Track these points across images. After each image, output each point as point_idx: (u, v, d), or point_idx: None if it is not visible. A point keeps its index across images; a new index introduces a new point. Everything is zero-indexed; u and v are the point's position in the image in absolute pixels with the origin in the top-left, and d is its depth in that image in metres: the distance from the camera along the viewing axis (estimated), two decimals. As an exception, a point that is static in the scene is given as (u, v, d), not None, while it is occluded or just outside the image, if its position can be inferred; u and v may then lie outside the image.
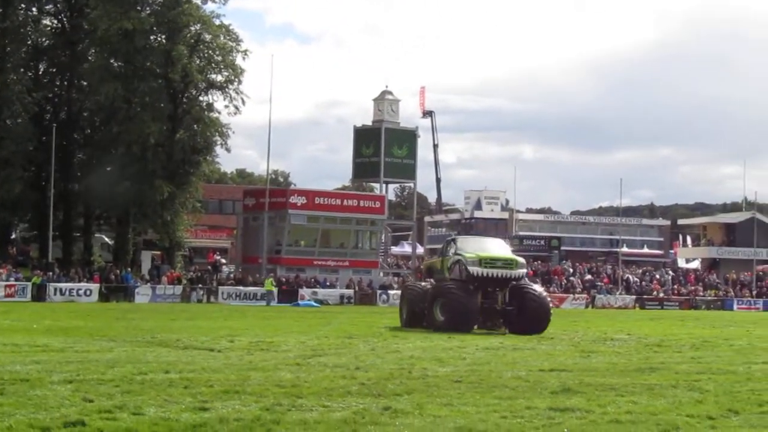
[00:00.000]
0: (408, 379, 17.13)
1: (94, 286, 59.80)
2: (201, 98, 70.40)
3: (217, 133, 69.22)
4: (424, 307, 33.62)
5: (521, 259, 34.98)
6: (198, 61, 68.49)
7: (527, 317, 32.77)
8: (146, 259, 71.54)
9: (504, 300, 33.45)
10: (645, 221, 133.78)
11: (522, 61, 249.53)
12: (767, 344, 29.65)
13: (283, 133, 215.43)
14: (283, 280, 66.71)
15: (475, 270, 32.89)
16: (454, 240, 36.40)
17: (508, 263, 33.63)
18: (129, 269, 63.98)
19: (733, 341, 30.86)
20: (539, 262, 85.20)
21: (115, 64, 67.99)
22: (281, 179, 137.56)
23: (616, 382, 17.49)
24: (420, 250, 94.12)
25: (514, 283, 33.47)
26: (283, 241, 70.21)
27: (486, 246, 35.70)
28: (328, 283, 68.86)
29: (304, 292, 65.25)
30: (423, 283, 36.29)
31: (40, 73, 71.43)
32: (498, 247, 36.05)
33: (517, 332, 31.73)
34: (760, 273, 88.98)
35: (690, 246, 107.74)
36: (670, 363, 21.85)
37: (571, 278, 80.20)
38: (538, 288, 35.83)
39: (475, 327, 33.11)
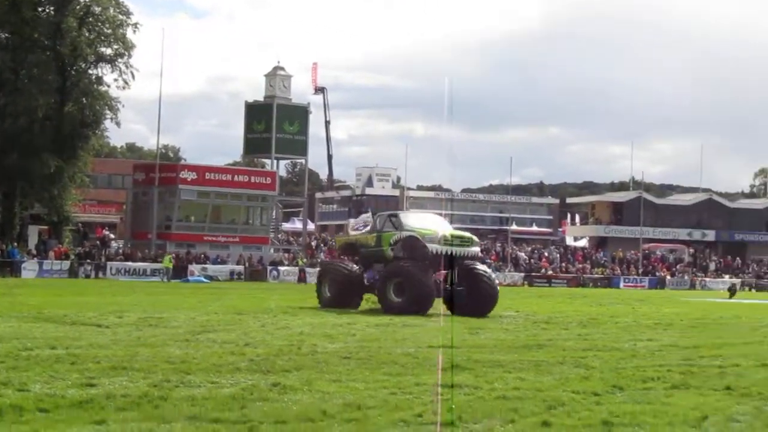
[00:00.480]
0: (297, 356, 17.11)
1: (-21, 261, 58.51)
2: (90, 71, 68.92)
3: (106, 107, 67.87)
4: (358, 288, 32.65)
5: (476, 237, 33.76)
6: (87, 34, 67.06)
7: (476, 298, 30.78)
8: (33, 233, 70.14)
9: (453, 279, 30.97)
10: (534, 199, 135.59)
11: (413, 39, 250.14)
12: (652, 322, 30.27)
13: (174, 107, 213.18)
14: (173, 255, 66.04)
15: (434, 248, 31.00)
16: (395, 215, 33.97)
17: (466, 241, 32.21)
18: (15, 244, 62.61)
19: (618, 319, 31.46)
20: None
21: (2, 35, 66.32)
22: (171, 154, 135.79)
23: (504, 358, 17.70)
24: (311, 226, 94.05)
25: (465, 261, 31.84)
26: (173, 216, 69.53)
27: (432, 222, 33.96)
28: (218, 259, 68.38)
29: (194, 268, 64.73)
30: (352, 265, 34.15)
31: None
32: (444, 224, 34.78)
33: (465, 314, 28.58)
34: (647, 251, 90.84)
35: (578, 224, 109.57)
36: (557, 340, 22.19)
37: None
38: (486, 268, 34.51)
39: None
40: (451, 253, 31.19)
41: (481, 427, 11.05)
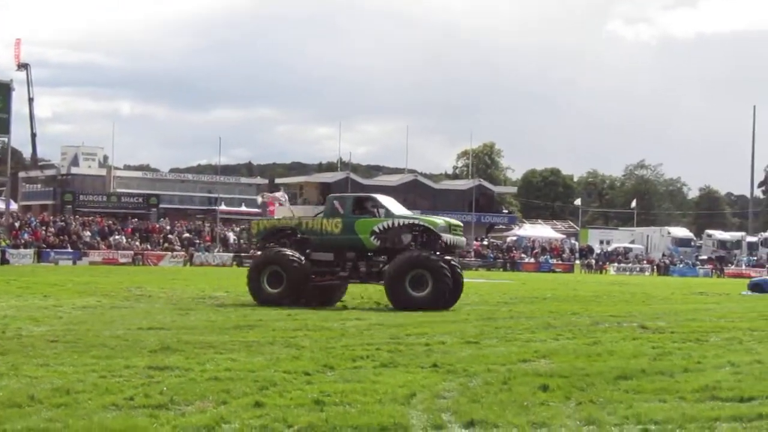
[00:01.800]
0: (2, 340, 16.46)
1: None
2: None
3: None
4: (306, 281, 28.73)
5: None
6: None
7: (454, 289, 28.95)
8: None
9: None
10: (243, 180, 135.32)
11: (118, 16, 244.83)
12: (360, 301, 30.82)
13: None
14: None
15: (447, 238, 28.81)
16: (370, 199, 30.46)
17: (461, 230, 30.26)
18: None
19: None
20: (137, 219, 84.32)
21: None
22: None
23: (215, 339, 17.61)
24: (13, 206, 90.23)
25: None
26: None
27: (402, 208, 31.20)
28: None
29: None
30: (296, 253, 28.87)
31: None
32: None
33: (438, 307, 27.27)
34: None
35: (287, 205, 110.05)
36: (267, 320, 22.25)
37: (170, 236, 79.80)
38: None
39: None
40: (459, 243, 29.88)
41: (194, 409, 10.92)
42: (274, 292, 28.29)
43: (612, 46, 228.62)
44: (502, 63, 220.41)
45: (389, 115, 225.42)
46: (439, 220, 30.04)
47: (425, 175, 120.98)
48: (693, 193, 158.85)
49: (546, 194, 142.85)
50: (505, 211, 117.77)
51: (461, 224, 30.88)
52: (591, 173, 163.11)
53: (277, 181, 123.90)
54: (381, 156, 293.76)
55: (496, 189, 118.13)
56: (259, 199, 36.10)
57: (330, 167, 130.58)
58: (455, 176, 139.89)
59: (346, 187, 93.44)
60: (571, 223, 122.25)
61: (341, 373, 13.91)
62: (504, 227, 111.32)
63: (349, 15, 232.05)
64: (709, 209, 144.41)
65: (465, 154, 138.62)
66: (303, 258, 28.71)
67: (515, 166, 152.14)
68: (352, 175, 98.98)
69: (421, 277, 27.64)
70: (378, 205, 29.81)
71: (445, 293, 27.98)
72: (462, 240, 30.39)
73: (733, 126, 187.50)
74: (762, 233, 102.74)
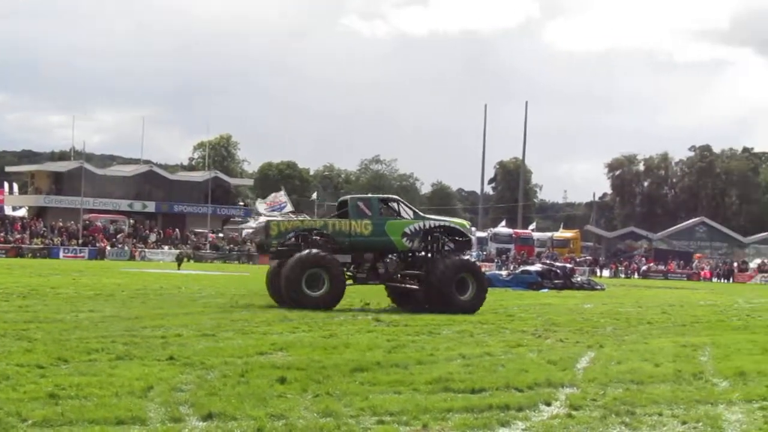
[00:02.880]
0: None
1: None
2: None
3: None
4: None
5: None
6: None
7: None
8: None
9: None
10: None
11: None
12: (93, 293, 30.24)
13: None
14: None
15: (472, 239, 28.50)
16: (392, 200, 30.14)
17: None
18: None
19: (60, 290, 31.13)
20: None
21: None
22: None
23: (-59, 332, 16.87)
24: None
25: None
26: None
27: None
28: None
29: None
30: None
31: None
32: None
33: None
34: (87, 222, 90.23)
35: (17, 194, 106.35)
36: (-4, 312, 21.52)
37: None
38: None
39: None
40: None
41: None
42: (316, 295, 26.71)
43: (348, 40, 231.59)
44: (238, 53, 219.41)
45: (125, 104, 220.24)
46: (465, 221, 30.54)
47: (161, 166, 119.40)
48: (426, 189, 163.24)
49: (282, 187, 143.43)
50: (242, 203, 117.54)
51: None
52: (327, 167, 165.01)
53: (8, 169, 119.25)
54: (116, 146, 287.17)
55: (233, 181, 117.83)
56: (261, 207, 33.73)
57: (63, 156, 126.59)
58: (191, 168, 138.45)
59: (79, 177, 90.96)
60: (306, 216, 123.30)
61: (76, 366, 13.62)
62: (240, 220, 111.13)
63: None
64: (440, 204, 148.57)
65: (201, 145, 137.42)
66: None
67: (252, 158, 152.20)
68: (86, 165, 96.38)
69: (464, 280, 27.80)
70: (402, 205, 29.68)
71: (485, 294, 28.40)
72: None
73: (466, 123, 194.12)
74: (491, 229, 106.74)
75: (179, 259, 64.31)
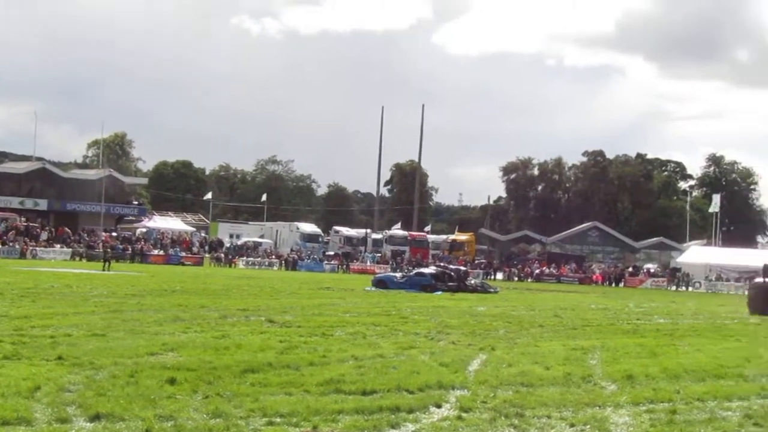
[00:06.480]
0: None
1: None
2: None
3: None
4: None
5: None
6: None
7: None
8: None
9: None
10: None
11: None
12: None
13: None
14: None
15: None
16: None
17: None
18: None
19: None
20: None
21: None
22: None
23: None
24: None
25: None
26: None
27: None
28: None
29: None
30: None
31: None
32: None
33: None
34: None
35: None
36: None
37: None
38: None
39: None
40: None
41: None
42: None
43: (240, 39, 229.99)
44: (132, 50, 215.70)
45: (15, 99, 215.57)
46: None
47: (54, 164, 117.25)
48: (322, 190, 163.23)
49: (177, 186, 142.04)
50: (136, 202, 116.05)
51: None
52: (223, 167, 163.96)
53: None
54: (7, 142, 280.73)
55: (127, 180, 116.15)
56: None
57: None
58: (85, 165, 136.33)
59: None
60: (201, 216, 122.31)
61: (-41, 366, 13.34)
62: (134, 219, 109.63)
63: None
64: (337, 206, 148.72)
65: (95, 143, 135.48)
66: None
67: (147, 157, 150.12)
68: None
69: None
70: None
71: None
72: None
73: (363, 125, 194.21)
74: (386, 231, 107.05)
75: (106, 259, 62.02)
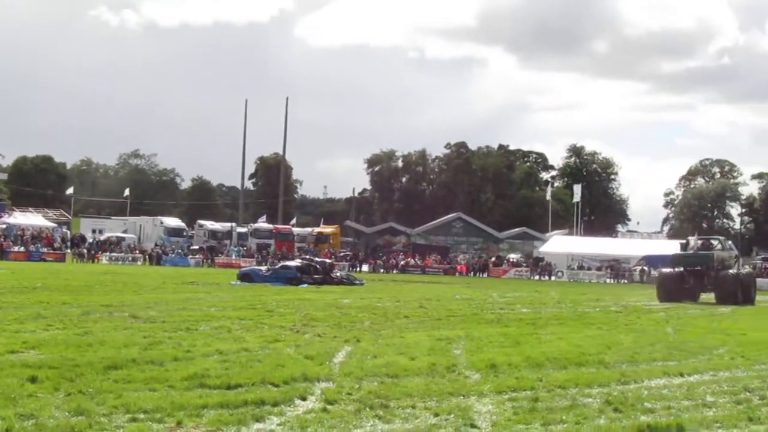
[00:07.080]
0: None
1: None
2: None
3: None
4: None
5: None
6: None
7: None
8: None
9: None
10: None
11: None
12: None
13: None
14: None
15: None
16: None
17: None
18: None
19: None
20: None
21: None
22: None
23: None
24: None
25: None
26: None
27: None
28: None
29: None
30: None
31: None
32: None
33: None
34: None
35: None
36: None
37: None
38: None
39: None
40: None
41: None
42: None
43: (99, 31, 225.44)
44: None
45: None
46: None
47: None
48: (186, 184, 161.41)
49: (38, 182, 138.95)
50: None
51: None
52: (85, 161, 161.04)
53: None
54: None
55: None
56: None
57: None
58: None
59: None
60: (63, 211, 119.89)
61: None
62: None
63: None
64: (201, 200, 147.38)
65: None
66: None
67: (6, 152, 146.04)
68: None
69: None
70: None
71: None
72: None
73: (226, 118, 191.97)
74: (251, 224, 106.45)
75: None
